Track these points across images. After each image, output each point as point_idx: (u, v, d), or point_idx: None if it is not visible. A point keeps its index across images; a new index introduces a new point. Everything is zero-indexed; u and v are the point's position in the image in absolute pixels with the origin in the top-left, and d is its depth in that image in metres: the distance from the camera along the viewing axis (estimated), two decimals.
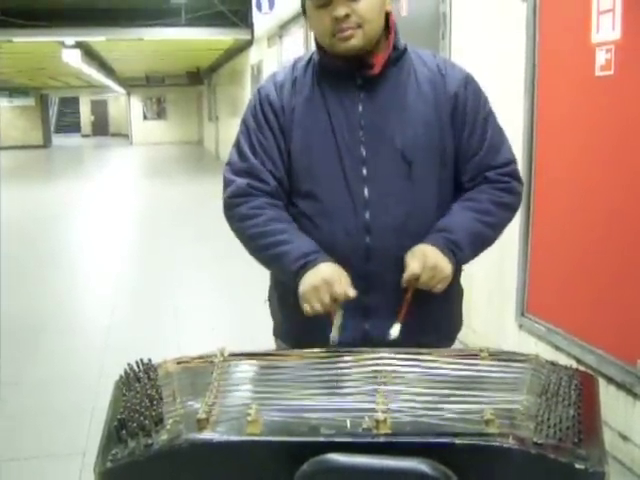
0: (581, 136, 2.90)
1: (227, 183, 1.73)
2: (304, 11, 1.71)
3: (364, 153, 1.67)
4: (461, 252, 1.64)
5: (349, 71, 1.68)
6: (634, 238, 2.60)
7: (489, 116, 1.76)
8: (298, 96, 1.71)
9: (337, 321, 1.56)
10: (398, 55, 1.71)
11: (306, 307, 1.54)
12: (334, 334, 1.56)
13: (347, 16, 1.59)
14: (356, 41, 1.62)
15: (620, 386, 2.69)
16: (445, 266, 1.61)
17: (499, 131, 1.78)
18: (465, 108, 1.71)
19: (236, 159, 1.74)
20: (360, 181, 1.66)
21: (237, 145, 1.76)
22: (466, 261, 1.70)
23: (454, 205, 1.73)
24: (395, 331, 1.59)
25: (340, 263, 1.63)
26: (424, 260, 1.58)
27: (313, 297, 1.53)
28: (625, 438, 2.68)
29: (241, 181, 1.70)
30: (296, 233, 1.65)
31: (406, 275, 1.59)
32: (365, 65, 1.67)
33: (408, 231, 1.66)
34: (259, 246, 1.66)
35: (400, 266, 1.63)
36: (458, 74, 1.74)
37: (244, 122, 1.77)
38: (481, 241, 1.71)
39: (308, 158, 1.68)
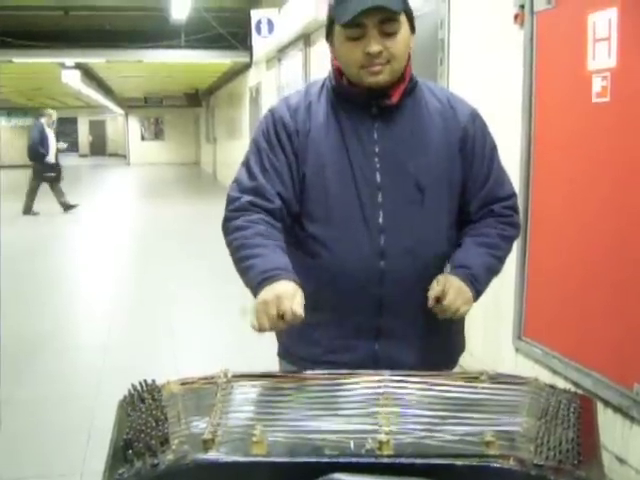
0: (578, 163, 2.94)
1: (231, 200, 1.74)
2: (328, 35, 1.73)
3: (379, 180, 1.70)
4: (480, 285, 1.70)
5: (366, 100, 1.71)
6: (630, 263, 2.62)
7: (494, 151, 1.83)
8: (313, 121, 1.74)
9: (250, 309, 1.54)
10: (412, 86, 1.76)
11: (253, 322, 1.52)
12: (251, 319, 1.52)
13: (380, 53, 1.63)
14: (384, 77, 1.66)
15: (617, 409, 2.71)
16: (468, 290, 1.66)
17: (501, 165, 1.85)
18: (474, 142, 1.77)
19: (245, 178, 1.75)
20: (375, 207, 1.69)
21: (246, 164, 1.77)
22: (483, 291, 1.74)
23: (467, 239, 1.78)
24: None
25: (353, 286, 1.67)
26: (450, 283, 1.64)
27: (262, 312, 1.50)
28: (622, 461, 2.69)
29: (245, 198, 1.71)
30: (273, 249, 1.63)
31: (433, 292, 1.63)
32: (382, 95, 1.71)
33: (421, 255, 1.70)
34: (237, 258, 1.66)
35: (412, 289, 1.68)
36: (466, 108, 1.81)
37: (255, 142, 1.78)
38: (493, 274, 1.78)
39: (322, 183, 1.71)
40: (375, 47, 1.62)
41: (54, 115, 12.92)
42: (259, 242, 1.63)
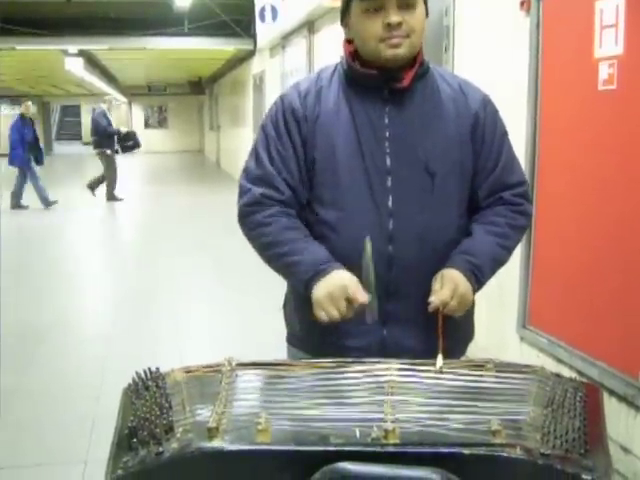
0: (583, 151, 2.92)
1: (243, 191, 1.75)
2: (343, 18, 1.72)
3: (389, 164, 1.70)
4: (483, 276, 1.70)
5: (378, 83, 1.71)
6: (636, 251, 2.61)
7: (505, 137, 1.82)
8: (323, 106, 1.73)
9: (371, 303, 1.58)
10: (424, 71, 1.75)
11: (322, 314, 1.56)
12: (372, 313, 1.59)
13: (399, 24, 1.62)
14: (403, 50, 1.65)
15: (622, 399, 2.70)
16: (470, 294, 1.67)
17: (513, 153, 1.84)
18: (484, 128, 1.76)
19: (253, 166, 1.75)
20: (385, 191, 1.69)
21: (255, 152, 1.77)
22: (485, 282, 1.74)
23: (475, 227, 1.77)
24: (439, 362, 1.53)
25: (361, 270, 1.66)
26: (454, 289, 1.62)
27: (328, 303, 1.56)
28: (626, 450, 2.69)
29: (256, 189, 1.71)
30: (309, 241, 1.68)
31: (437, 301, 1.62)
32: (394, 78, 1.70)
33: (429, 241, 1.70)
34: (272, 255, 1.69)
35: (420, 275, 1.67)
36: (478, 94, 1.80)
37: (263, 129, 1.78)
38: (499, 263, 1.77)
39: (333, 167, 1.70)
40: (395, 17, 1.61)
41: (113, 100, 13.24)
42: (291, 236, 1.68)
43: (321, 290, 1.58)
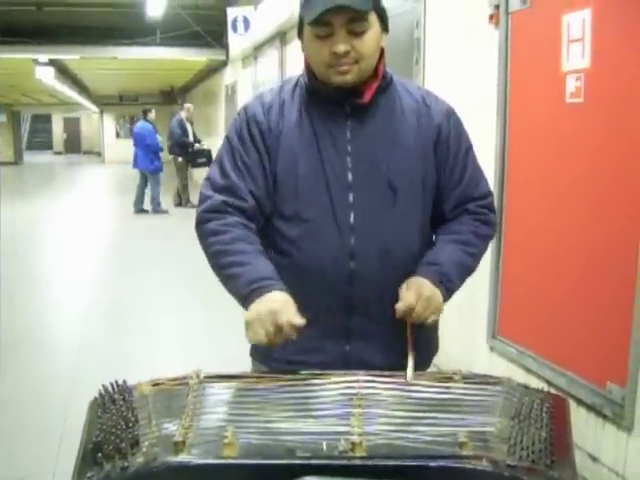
0: (551, 163, 2.95)
1: (204, 198, 1.73)
2: (300, 33, 1.71)
3: (351, 179, 1.69)
4: (451, 283, 1.69)
5: (338, 99, 1.70)
6: (602, 264, 2.64)
7: (469, 149, 1.82)
8: (286, 120, 1.72)
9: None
10: (386, 84, 1.75)
11: (250, 335, 1.52)
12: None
13: (347, 53, 1.61)
14: (351, 76, 1.65)
15: (590, 408, 2.72)
16: (438, 298, 1.65)
17: (477, 165, 1.84)
18: (448, 140, 1.76)
19: (217, 175, 1.73)
20: (346, 207, 1.68)
21: (219, 162, 1.75)
22: (455, 291, 1.73)
23: (439, 237, 1.78)
24: (410, 371, 1.55)
25: (323, 286, 1.66)
26: (419, 292, 1.62)
27: (257, 327, 1.50)
28: (594, 459, 2.71)
29: (218, 197, 1.70)
30: (256, 256, 1.63)
31: (402, 306, 1.62)
32: (355, 93, 1.69)
33: (391, 257, 1.69)
34: (218, 264, 1.66)
35: (383, 291, 1.67)
36: (441, 107, 1.79)
37: (228, 139, 1.77)
38: (467, 271, 1.77)
39: (294, 182, 1.69)
40: (341, 47, 1.61)
41: (192, 109, 13.22)
42: (240, 248, 1.63)
43: (252, 312, 1.52)
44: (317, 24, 1.61)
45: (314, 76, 1.72)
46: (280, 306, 1.50)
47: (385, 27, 1.70)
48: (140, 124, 12.87)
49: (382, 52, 1.73)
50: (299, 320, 1.49)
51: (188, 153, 12.86)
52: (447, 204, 1.78)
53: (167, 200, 12.90)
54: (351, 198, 1.69)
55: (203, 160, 12.78)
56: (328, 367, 1.55)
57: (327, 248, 1.66)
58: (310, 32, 1.65)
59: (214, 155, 1.86)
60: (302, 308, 1.66)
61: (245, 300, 1.57)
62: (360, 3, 1.59)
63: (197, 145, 12.98)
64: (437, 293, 1.65)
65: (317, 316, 1.68)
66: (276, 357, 1.71)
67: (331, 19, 1.59)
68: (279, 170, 1.71)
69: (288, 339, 1.51)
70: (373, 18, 1.64)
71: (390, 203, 1.70)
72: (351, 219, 1.68)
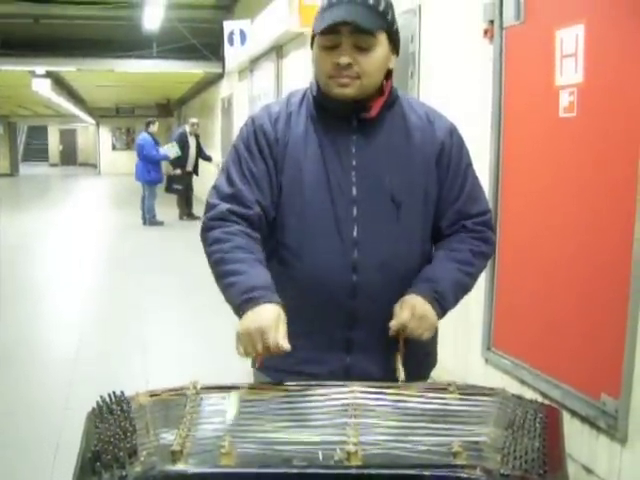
0: (545, 177, 2.98)
1: (210, 206, 1.74)
2: (312, 45, 1.74)
3: (355, 193, 1.71)
4: (445, 302, 1.70)
5: (346, 112, 1.72)
6: (597, 277, 2.66)
7: (469, 167, 1.84)
8: (292, 131, 1.74)
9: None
10: (392, 100, 1.77)
11: (239, 349, 1.53)
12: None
13: (349, 65, 1.64)
14: (350, 90, 1.67)
15: (584, 420, 2.74)
16: (432, 316, 1.67)
17: (477, 182, 1.86)
18: (450, 157, 1.78)
19: (224, 184, 1.75)
20: (350, 221, 1.70)
21: (226, 171, 1.77)
22: (450, 309, 1.74)
23: (438, 253, 1.79)
24: (401, 372, 1.63)
25: (325, 299, 1.68)
26: (412, 310, 1.63)
27: (245, 341, 1.51)
28: (589, 470, 2.72)
29: (223, 205, 1.70)
30: (255, 265, 1.63)
31: (395, 324, 1.64)
32: (362, 108, 1.72)
33: (393, 270, 1.71)
34: (217, 272, 1.66)
35: (384, 303, 1.68)
36: (445, 124, 1.81)
37: (235, 149, 1.78)
38: (463, 289, 1.78)
39: (299, 194, 1.71)
40: (344, 59, 1.64)
41: (196, 123, 13.18)
42: (238, 257, 1.63)
43: (243, 326, 1.52)
44: (324, 33, 1.64)
45: (320, 88, 1.74)
46: (270, 325, 1.49)
47: (396, 49, 1.73)
48: (141, 135, 12.86)
49: (390, 72, 1.75)
50: (286, 345, 1.49)
51: (169, 176, 12.85)
52: (445, 220, 1.80)
53: (167, 211, 12.87)
54: (355, 212, 1.71)
55: (179, 187, 12.75)
56: (329, 378, 1.57)
57: (330, 261, 1.68)
58: (318, 42, 1.68)
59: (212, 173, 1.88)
60: (304, 319, 1.68)
61: (238, 309, 1.57)
62: (368, 22, 1.62)
63: (177, 171, 12.84)
64: (431, 311, 1.67)
65: (319, 327, 1.70)
66: (278, 368, 1.72)
67: (339, 28, 1.62)
68: (284, 181, 1.73)
69: (276, 355, 1.52)
70: (382, 37, 1.67)
71: (393, 218, 1.72)
72: (354, 233, 1.70)
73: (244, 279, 1.59)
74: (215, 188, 1.77)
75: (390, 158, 1.74)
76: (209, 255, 1.70)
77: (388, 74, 1.75)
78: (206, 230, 1.72)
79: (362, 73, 1.66)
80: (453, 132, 1.82)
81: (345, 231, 1.70)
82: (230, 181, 1.74)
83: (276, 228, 1.75)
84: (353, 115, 1.73)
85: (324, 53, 1.67)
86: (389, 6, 1.69)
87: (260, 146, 1.74)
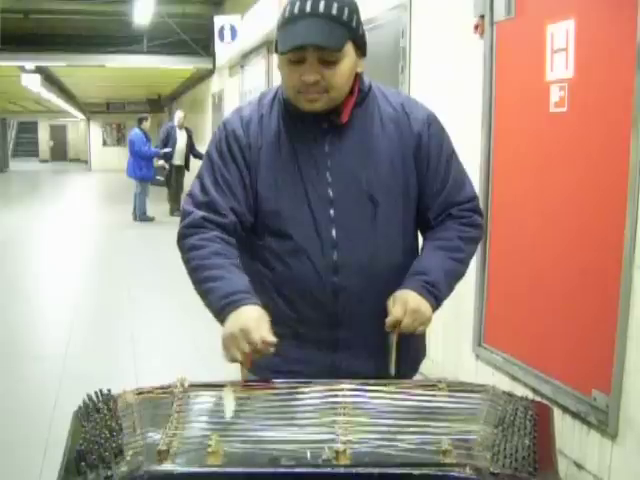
0: (535, 172, 2.97)
1: (185, 214, 1.73)
2: (276, 49, 1.69)
3: (331, 194, 1.69)
4: (439, 292, 1.69)
5: (316, 117, 1.69)
6: (587, 273, 2.66)
7: (452, 155, 1.81)
8: (265, 135, 1.72)
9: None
10: (363, 96, 1.74)
11: (226, 354, 1.52)
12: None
13: (316, 82, 1.61)
14: (319, 105, 1.65)
15: (575, 415, 2.74)
16: (426, 309, 1.65)
17: (461, 169, 1.83)
18: (428, 147, 1.75)
19: (198, 192, 1.73)
20: (328, 222, 1.68)
21: (200, 178, 1.75)
22: (444, 298, 1.73)
23: (425, 245, 1.78)
24: (392, 366, 1.64)
25: (308, 300, 1.67)
26: (405, 305, 1.62)
27: (230, 345, 1.50)
28: (580, 466, 2.72)
29: (198, 212, 1.70)
30: (232, 270, 1.63)
31: (389, 320, 1.62)
32: (333, 111, 1.69)
33: (375, 269, 1.70)
34: (196, 279, 1.66)
35: (368, 302, 1.68)
36: (422, 113, 1.78)
37: (208, 155, 1.77)
38: (455, 277, 1.76)
39: (275, 198, 1.70)
40: (310, 77, 1.60)
41: (182, 116, 12.95)
42: (216, 263, 1.62)
43: (226, 329, 1.52)
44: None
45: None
46: (252, 324, 1.49)
47: (363, 52, 1.69)
48: (133, 131, 12.80)
49: (360, 71, 1.71)
50: (271, 338, 1.49)
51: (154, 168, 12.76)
52: (431, 211, 1.78)
53: (157, 207, 12.84)
54: (332, 213, 1.69)
55: (161, 179, 12.75)
56: (316, 377, 1.56)
57: (310, 263, 1.67)
58: (283, 57, 1.64)
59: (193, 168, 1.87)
60: (289, 320, 1.69)
61: (219, 315, 1.57)
62: (332, 39, 1.59)
63: (160, 162, 12.78)
64: (424, 304, 1.65)
65: (304, 328, 1.70)
66: (265, 367, 1.71)
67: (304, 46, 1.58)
68: (260, 187, 1.71)
69: (265, 354, 1.51)
70: (349, 47, 1.63)
71: (371, 217, 1.70)
72: (333, 234, 1.69)
73: (223, 284, 1.59)
74: (190, 195, 1.76)
75: (365, 156, 1.71)
76: (186, 262, 1.69)
77: (356, 76, 1.71)
78: (182, 238, 1.71)
79: (330, 87, 1.63)
80: (432, 122, 1.78)
81: (324, 233, 1.68)
82: (203, 188, 1.72)
83: (257, 231, 1.74)
84: (324, 119, 1.70)
85: (290, 67, 1.63)
86: (353, 11, 1.63)
87: (232, 152, 1.72)
